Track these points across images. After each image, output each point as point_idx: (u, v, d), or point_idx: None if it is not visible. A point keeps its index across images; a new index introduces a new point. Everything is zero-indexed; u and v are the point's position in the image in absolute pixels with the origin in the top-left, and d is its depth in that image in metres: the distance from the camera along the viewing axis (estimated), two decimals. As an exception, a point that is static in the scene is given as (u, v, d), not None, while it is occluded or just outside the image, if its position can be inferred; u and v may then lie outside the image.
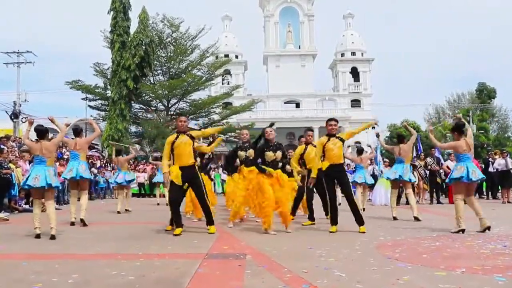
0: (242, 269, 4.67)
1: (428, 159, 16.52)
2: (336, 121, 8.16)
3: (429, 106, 66.26)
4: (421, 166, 16.24)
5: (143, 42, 34.77)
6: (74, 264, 5.13)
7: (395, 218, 9.98)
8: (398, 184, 10.58)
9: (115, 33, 34.81)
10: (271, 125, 8.14)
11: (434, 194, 16.57)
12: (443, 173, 16.53)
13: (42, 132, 7.61)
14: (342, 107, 64.82)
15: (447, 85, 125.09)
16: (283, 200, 7.74)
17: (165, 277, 4.38)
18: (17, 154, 14.99)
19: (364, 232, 7.55)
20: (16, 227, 9.26)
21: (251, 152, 8.26)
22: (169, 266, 4.86)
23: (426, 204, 15.67)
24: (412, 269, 4.63)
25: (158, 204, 16.72)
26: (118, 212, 12.69)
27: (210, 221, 7.81)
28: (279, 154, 7.82)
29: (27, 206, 13.49)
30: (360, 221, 7.78)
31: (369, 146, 16.26)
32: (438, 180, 16.42)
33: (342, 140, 7.89)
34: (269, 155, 7.76)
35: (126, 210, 13.16)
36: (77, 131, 9.89)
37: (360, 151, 14.35)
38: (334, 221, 7.84)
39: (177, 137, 7.61)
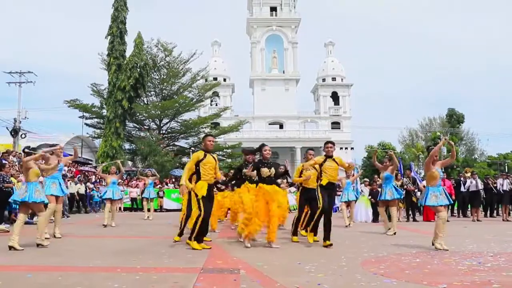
0: (237, 284, 4.63)
1: (405, 179, 16.59)
2: (333, 143, 8.44)
3: (403, 129, 67.01)
4: (397, 186, 16.29)
5: (138, 65, 34.76)
6: (76, 276, 5.03)
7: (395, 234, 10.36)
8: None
9: (111, 56, 34.81)
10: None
11: (410, 212, 16.63)
12: (418, 192, 16.67)
13: None
14: (323, 128, 65.18)
15: (419, 109, 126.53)
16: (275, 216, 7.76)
17: (165, 291, 4.33)
18: (17, 168, 14.80)
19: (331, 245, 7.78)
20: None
21: (273, 170, 8.09)
22: (168, 280, 4.80)
23: (403, 221, 15.72)
24: (398, 285, 4.63)
25: (147, 218, 16.32)
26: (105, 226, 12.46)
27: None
28: (273, 171, 7.86)
29: (26, 219, 13.27)
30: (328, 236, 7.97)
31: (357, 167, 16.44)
32: (414, 199, 16.49)
33: (337, 163, 8.18)
34: (264, 171, 7.79)
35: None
36: None
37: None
38: (314, 231, 8.24)
39: (205, 156, 7.57)
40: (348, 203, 14.26)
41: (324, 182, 8.12)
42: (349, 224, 13.45)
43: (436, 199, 7.92)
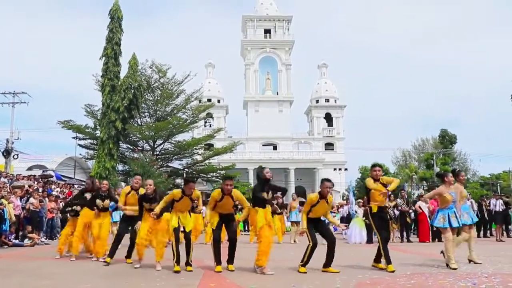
0: (230, 307, 4.56)
1: (398, 200, 16.59)
2: (331, 183, 7.79)
3: (396, 150, 67.25)
4: (390, 207, 16.27)
5: (132, 86, 34.74)
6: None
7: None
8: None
9: (106, 77, 34.71)
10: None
11: (404, 233, 16.58)
12: (412, 213, 16.74)
13: None
14: (317, 150, 65.26)
15: (412, 130, 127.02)
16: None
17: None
18: (8, 190, 14.65)
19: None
20: (6, 262, 8.99)
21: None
22: (160, 304, 4.72)
23: (397, 242, 15.65)
24: (392, 307, 4.57)
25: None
26: None
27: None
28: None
29: (17, 241, 13.10)
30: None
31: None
32: (408, 219, 16.48)
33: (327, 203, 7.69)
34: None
35: None
36: None
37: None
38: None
39: (222, 197, 7.53)
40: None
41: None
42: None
43: (443, 221, 7.95)
